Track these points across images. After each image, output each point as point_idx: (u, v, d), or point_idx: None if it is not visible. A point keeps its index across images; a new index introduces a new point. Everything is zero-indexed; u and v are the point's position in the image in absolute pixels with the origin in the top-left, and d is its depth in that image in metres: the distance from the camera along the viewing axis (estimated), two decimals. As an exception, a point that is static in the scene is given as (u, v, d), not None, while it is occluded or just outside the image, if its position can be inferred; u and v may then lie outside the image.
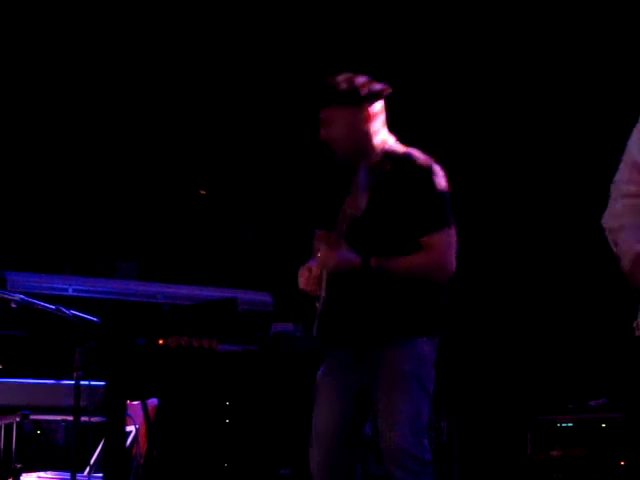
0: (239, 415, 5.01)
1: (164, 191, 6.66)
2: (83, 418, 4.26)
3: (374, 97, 3.51)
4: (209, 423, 5.18)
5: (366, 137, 3.52)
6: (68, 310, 4.34)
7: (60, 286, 4.97)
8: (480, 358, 6.19)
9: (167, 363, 4.67)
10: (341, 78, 3.52)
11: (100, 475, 4.69)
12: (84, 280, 5.22)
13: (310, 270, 3.49)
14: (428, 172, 3.45)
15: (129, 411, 4.60)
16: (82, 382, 4.14)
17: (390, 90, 3.54)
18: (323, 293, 3.42)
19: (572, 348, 5.95)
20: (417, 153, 3.56)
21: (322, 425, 3.44)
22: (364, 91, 3.49)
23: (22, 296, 4.37)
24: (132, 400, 4.61)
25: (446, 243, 3.40)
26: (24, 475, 4.34)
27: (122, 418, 4.41)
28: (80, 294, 5.02)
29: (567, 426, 4.83)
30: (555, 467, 4.84)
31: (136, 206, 6.69)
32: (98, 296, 5.16)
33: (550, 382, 5.84)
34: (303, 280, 3.48)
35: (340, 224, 3.44)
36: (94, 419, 4.41)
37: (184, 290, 5.51)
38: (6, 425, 4.55)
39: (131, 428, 4.71)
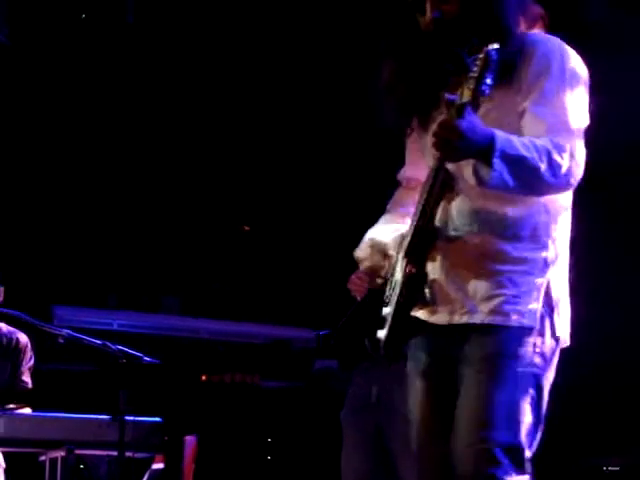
0: (281, 452, 5.05)
1: (208, 227, 6.77)
2: (127, 453, 4.24)
3: None
4: (251, 459, 5.22)
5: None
6: (114, 345, 4.37)
7: (105, 320, 5.14)
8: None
9: (211, 399, 4.75)
10: None
11: (142, 511, 4.75)
12: (129, 315, 5.37)
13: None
14: None
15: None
16: (127, 418, 4.15)
17: None
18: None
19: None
20: None
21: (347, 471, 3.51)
22: None
23: (69, 331, 4.45)
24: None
25: None
26: (67, 508, 4.45)
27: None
28: (125, 329, 5.17)
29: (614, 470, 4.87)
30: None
31: (180, 242, 6.82)
32: (142, 331, 5.30)
33: (596, 424, 5.84)
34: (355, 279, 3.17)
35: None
36: (138, 455, 4.44)
37: (226, 326, 5.63)
38: (51, 459, 4.54)
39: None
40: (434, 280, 2.71)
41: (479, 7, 2.69)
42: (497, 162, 2.48)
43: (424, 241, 2.70)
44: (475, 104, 2.47)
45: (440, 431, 2.71)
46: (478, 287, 2.68)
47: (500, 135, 2.51)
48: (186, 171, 6.80)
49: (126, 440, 4.17)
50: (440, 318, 2.71)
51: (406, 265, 2.69)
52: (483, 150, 2.49)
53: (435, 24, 2.72)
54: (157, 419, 4.44)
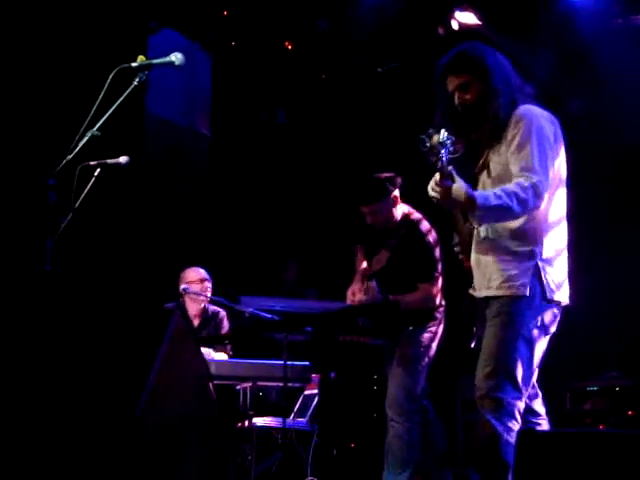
0: (381, 385, 5.87)
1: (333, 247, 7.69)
2: (288, 384, 5.32)
3: (396, 186, 4.91)
4: (364, 389, 6.50)
5: (394, 214, 4.99)
6: (278, 317, 5.68)
7: (271, 304, 6.43)
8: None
9: (342, 351, 5.97)
10: (375, 181, 4.85)
11: (301, 419, 6.03)
12: (286, 300, 6.81)
13: (353, 294, 5.10)
14: (425, 236, 4.93)
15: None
16: (288, 362, 5.28)
17: (401, 179, 4.81)
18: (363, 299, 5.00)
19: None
20: (419, 218, 4.93)
21: None
22: (391, 187, 4.89)
23: (252, 309, 5.80)
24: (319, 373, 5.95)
25: (432, 288, 4.99)
26: (254, 418, 5.61)
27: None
28: (283, 309, 6.45)
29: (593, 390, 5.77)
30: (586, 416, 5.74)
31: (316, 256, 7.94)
32: (294, 310, 6.55)
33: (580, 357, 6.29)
34: (349, 298, 5.07)
35: (373, 269, 5.10)
36: (295, 385, 5.71)
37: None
38: (243, 388, 5.68)
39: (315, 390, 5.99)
40: (472, 269, 3.56)
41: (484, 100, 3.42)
42: (480, 214, 3.30)
43: (469, 244, 3.56)
44: (446, 173, 3.21)
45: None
46: (491, 272, 3.48)
47: (479, 195, 3.28)
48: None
49: (288, 376, 5.25)
50: (477, 293, 3.59)
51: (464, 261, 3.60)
52: (467, 205, 3.27)
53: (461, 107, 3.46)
54: (306, 363, 5.56)
